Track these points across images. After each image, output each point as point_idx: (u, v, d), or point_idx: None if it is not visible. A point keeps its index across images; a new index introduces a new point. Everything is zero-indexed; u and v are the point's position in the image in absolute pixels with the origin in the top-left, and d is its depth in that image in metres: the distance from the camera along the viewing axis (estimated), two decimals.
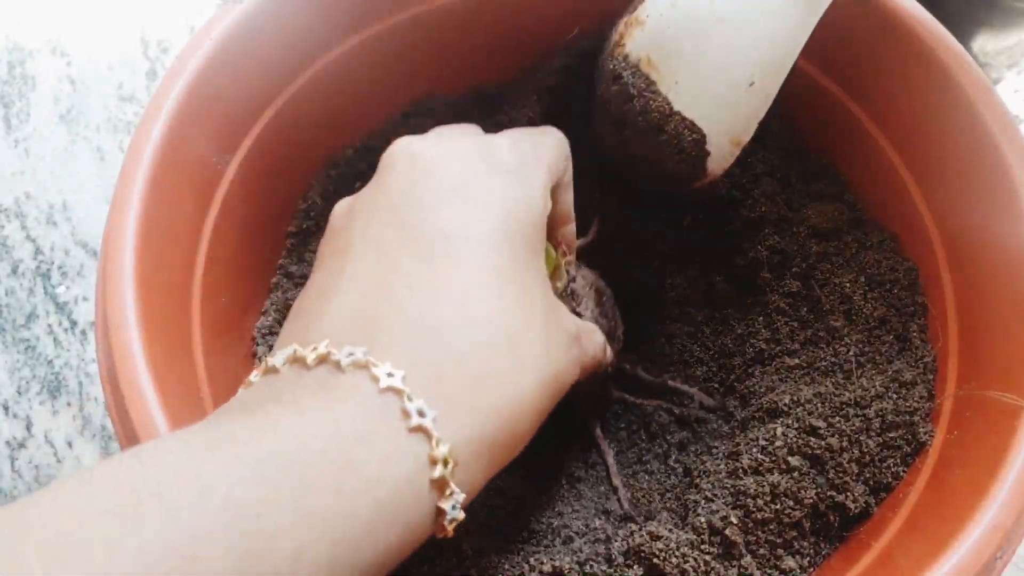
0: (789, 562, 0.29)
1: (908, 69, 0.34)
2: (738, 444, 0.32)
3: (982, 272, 0.32)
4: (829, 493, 0.29)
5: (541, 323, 0.25)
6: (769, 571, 0.29)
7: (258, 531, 0.17)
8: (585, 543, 0.31)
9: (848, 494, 0.29)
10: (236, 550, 0.17)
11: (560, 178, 0.30)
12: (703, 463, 0.33)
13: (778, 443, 0.30)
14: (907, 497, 0.29)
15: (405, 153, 0.26)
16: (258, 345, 0.34)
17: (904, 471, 0.30)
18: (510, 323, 0.23)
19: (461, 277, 0.23)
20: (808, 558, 0.29)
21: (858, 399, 0.31)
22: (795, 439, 0.30)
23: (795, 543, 0.29)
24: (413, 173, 0.25)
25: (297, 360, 0.22)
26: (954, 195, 0.34)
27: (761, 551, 0.29)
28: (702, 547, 0.28)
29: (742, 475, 0.30)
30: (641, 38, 0.33)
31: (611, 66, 0.34)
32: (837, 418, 0.31)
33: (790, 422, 0.31)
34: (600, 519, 0.33)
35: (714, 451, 0.34)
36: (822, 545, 0.30)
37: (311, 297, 0.25)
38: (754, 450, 0.31)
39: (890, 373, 0.32)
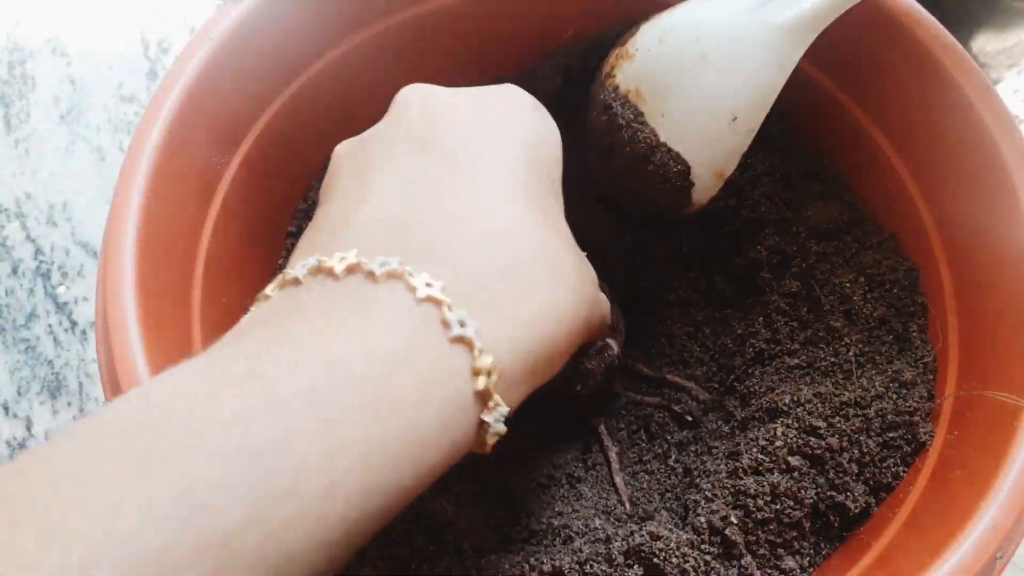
0: (789, 562, 0.29)
1: (908, 69, 0.34)
2: (738, 444, 0.32)
3: (982, 272, 0.32)
4: (829, 493, 0.29)
5: (574, 247, 0.24)
6: (769, 571, 0.29)
7: (280, 471, 0.16)
8: (585, 543, 0.31)
9: (848, 494, 0.29)
10: (256, 494, 0.16)
11: None
12: (703, 463, 0.33)
13: (778, 443, 0.30)
14: (907, 497, 0.29)
15: (420, 91, 0.25)
16: None
17: (904, 471, 0.30)
18: (546, 238, 0.22)
19: (490, 189, 0.22)
20: (808, 558, 0.29)
21: (858, 399, 0.31)
22: (795, 439, 0.30)
23: (795, 543, 0.29)
24: (430, 106, 0.25)
25: (322, 270, 0.20)
26: (954, 195, 0.34)
27: (761, 551, 0.29)
28: (702, 547, 0.28)
29: (742, 475, 0.30)
30: (630, 70, 0.34)
31: (601, 96, 0.35)
32: (837, 418, 0.31)
33: (790, 422, 0.31)
34: (600, 519, 0.33)
35: (714, 451, 0.34)
36: (822, 545, 0.30)
37: (330, 215, 0.23)
38: (754, 450, 0.31)
39: (890, 373, 0.32)
